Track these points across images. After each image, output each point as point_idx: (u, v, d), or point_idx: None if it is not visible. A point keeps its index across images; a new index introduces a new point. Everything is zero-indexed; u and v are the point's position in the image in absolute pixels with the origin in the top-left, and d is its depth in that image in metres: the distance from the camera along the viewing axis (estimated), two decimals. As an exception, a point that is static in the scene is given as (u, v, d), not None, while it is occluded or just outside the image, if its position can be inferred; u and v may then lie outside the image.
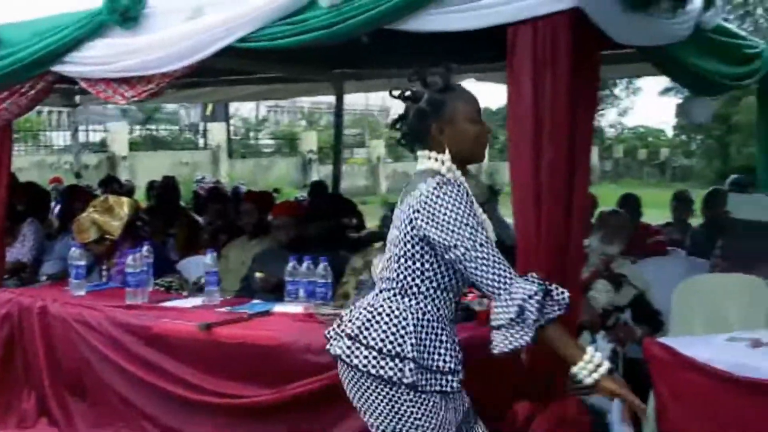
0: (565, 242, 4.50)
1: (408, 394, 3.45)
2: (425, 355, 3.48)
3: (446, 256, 3.44)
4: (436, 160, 3.59)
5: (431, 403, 3.48)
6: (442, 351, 3.53)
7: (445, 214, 3.38)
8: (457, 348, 3.61)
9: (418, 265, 3.53)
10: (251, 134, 43.98)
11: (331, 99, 11.07)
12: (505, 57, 4.43)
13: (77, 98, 11.30)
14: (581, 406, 4.84)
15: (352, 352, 3.52)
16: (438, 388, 3.49)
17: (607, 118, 55.57)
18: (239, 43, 5.21)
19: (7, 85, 6.16)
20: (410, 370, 3.42)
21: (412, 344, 3.45)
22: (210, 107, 36.30)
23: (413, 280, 3.53)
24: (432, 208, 3.40)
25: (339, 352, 3.58)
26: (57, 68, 6.00)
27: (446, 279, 3.55)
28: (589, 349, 3.42)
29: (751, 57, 6.91)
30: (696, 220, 9.22)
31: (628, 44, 5.07)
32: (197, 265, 6.35)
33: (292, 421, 4.84)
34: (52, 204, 9.90)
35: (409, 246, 3.52)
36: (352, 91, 11.01)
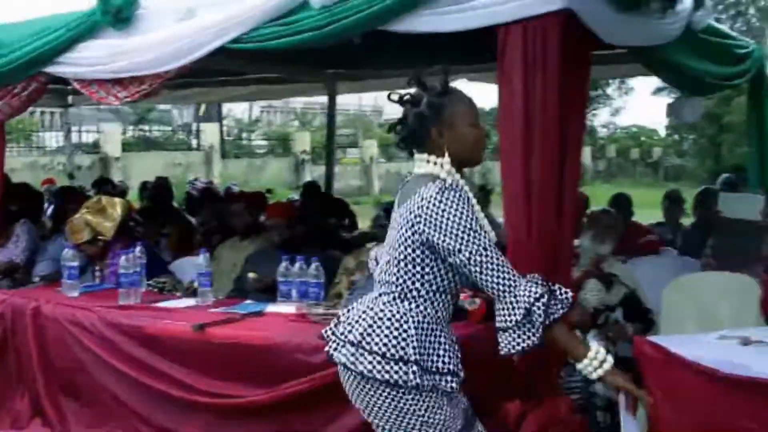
0: (555, 242, 4.54)
1: (412, 395, 3.49)
2: (426, 357, 3.51)
3: (450, 260, 3.48)
4: (435, 163, 3.61)
5: (434, 401, 3.52)
6: (441, 352, 3.56)
7: (448, 219, 3.41)
8: (456, 348, 3.65)
9: (418, 269, 3.55)
10: (244, 135, 43.92)
11: (324, 99, 11.07)
12: (496, 58, 4.46)
13: (70, 99, 11.30)
14: (572, 405, 4.88)
15: (357, 359, 3.55)
16: (440, 388, 3.53)
17: (599, 118, 55.62)
18: (232, 44, 5.23)
19: (-1, 86, 6.18)
20: (413, 372, 3.46)
21: (414, 347, 3.48)
22: (203, 108, 36.33)
23: (413, 283, 3.56)
24: (435, 213, 3.43)
25: (344, 360, 3.60)
26: (50, 69, 6.02)
27: (445, 282, 3.59)
28: (593, 346, 3.51)
29: (742, 57, 6.96)
30: (688, 220, 9.24)
31: (619, 45, 5.11)
32: (190, 265, 6.35)
33: (285, 421, 4.85)
34: (45, 205, 9.90)
35: (409, 250, 3.55)
36: (345, 92, 11.02)
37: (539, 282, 3.48)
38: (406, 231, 3.53)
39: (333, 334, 3.75)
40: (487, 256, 3.40)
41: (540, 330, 3.43)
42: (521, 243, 4.35)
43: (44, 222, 8.74)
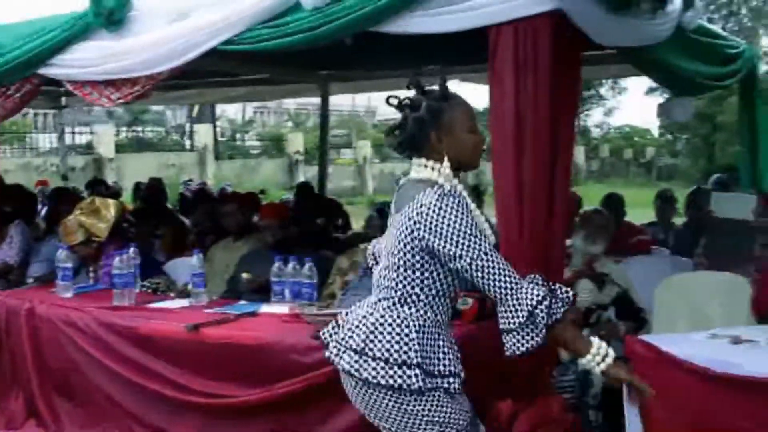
0: (547, 242, 4.56)
1: (415, 397, 3.52)
2: (428, 361, 3.55)
3: (450, 266, 3.51)
4: (433, 169, 3.63)
5: (437, 400, 3.55)
6: (442, 355, 3.60)
7: (449, 225, 3.43)
8: (456, 350, 3.68)
9: (418, 273, 3.58)
10: (238, 135, 43.92)
11: (318, 100, 11.08)
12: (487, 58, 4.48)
13: (63, 100, 11.30)
14: (564, 404, 4.90)
15: (360, 366, 3.57)
16: (443, 390, 3.56)
17: (592, 118, 55.66)
18: (224, 46, 5.24)
19: (-8, 88, 6.18)
20: (416, 375, 3.48)
21: (416, 351, 3.51)
22: (196, 109, 36.28)
23: (413, 288, 3.59)
24: (434, 219, 3.45)
25: (347, 367, 3.61)
26: (43, 71, 6.02)
27: (445, 286, 3.62)
28: (595, 341, 3.53)
29: (733, 57, 6.97)
30: (680, 219, 9.27)
31: (609, 45, 5.12)
32: (184, 266, 6.36)
33: (279, 421, 4.87)
34: (39, 206, 9.90)
35: (409, 255, 3.57)
36: (338, 93, 11.03)
37: (540, 283, 3.52)
38: (405, 237, 3.55)
39: (333, 339, 3.78)
40: (487, 260, 3.43)
41: (543, 331, 3.47)
42: (513, 243, 4.37)
43: (38, 223, 8.74)
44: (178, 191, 15.17)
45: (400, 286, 3.60)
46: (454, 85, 3.74)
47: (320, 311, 5.26)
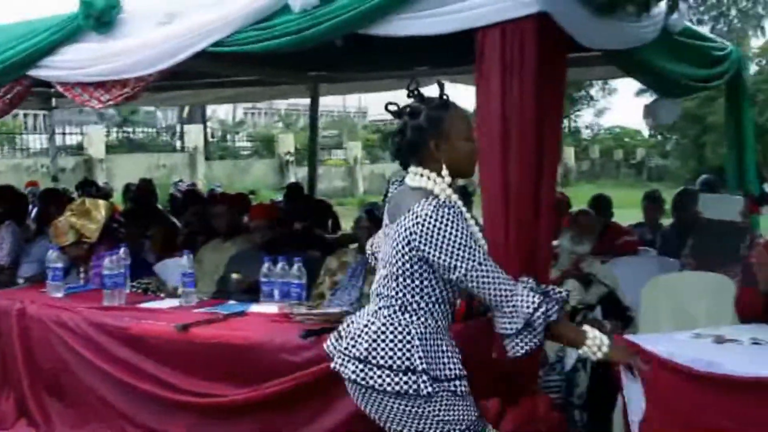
0: (533, 242, 4.59)
1: (425, 401, 3.57)
2: (433, 366, 3.60)
3: (446, 276, 3.56)
4: (429, 178, 3.67)
5: (446, 401, 3.60)
6: (446, 360, 3.65)
7: (444, 237, 3.49)
8: (457, 352, 3.73)
9: (417, 282, 3.63)
10: (228, 136, 43.82)
11: (308, 101, 11.10)
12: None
13: (53, 101, 11.31)
14: (550, 404, 4.94)
15: (366, 374, 3.61)
16: (450, 391, 3.61)
17: (583, 119, 55.79)
18: (213, 48, 5.26)
19: (-17, 90, 6.20)
20: (423, 382, 3.54)
21: (420, 357, 3.56)
22: (186, 110, 36.23)
23: (413, 297, 3.64)
24: (430, 231, 3.50)
25: (353, 376, 3.65)
26: (33, 73, 6.04)
27: (444, 293, 3.67)
28: (589, 331, 3.68)
29: (719, 59, 7.02)
30: (668, 220, 9.29)
31: (595, 47, 5.16)
32: (174, 266, 6.38)
33: (268, 420, 4.89)
34: (30, 207, 9.90)
35: (407, 265, 3.62)
36: (327, 94, 11.06)
37: (534, 289, 3.58)
38: (403, 247, 3.60)
39: (336, 349, 3.81)
40: (482, 270, 3.51)
41: (541, 333, 3.60)
42: (499, 244, 4.40)
43: (28, 224, 8.76)
44: (168, 192, 15.15)
45: (400, 294, 3.64)
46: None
47: (309, 311, 5.30)
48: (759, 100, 29.23)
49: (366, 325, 3.68)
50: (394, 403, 3.58)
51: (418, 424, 3.60)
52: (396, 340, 3.58)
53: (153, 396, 5.28)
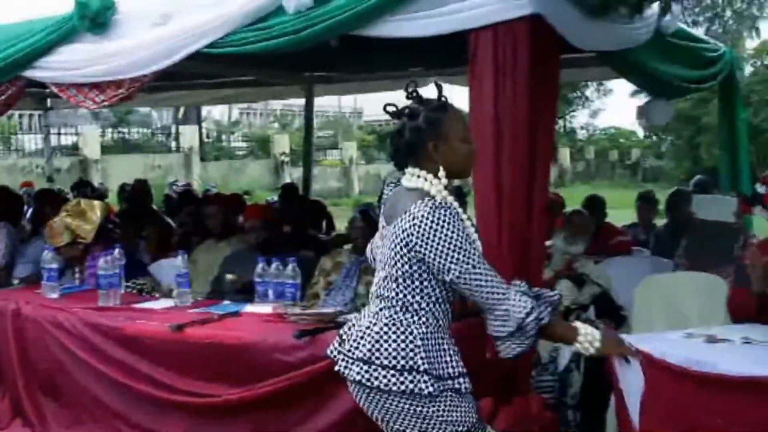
0: (526, 243, 4.61)
1: (429, 400, 3.58)
2: (436, 366, 3.61)
3: (440, 277, 3.58)
4: (425, 179, 3.69)
5: (450, 400, 3.61)
6: (448, 358, 3.66)
7: (439, 239, 3.50)
8: (457, 351, 3.73)
9: (416, 283, 3.64)
10: (224, 137, 43.81)
11: (304, 101, 11.10)
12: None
13: (48, 101, 11.31)
14: (543, 403, 4.96)
15: (371, 375, 3.62)
16: (454, 390, 3.63)
17: (578, 120, 55.79)
18: (207, 49, 5.28)
19: (-22, 90, 6.21)
20: (425, 381, 3.55)
21: (422, 357, 3.57)
22: (182, 110, 36.20)
23: (413, 297, 3.65)
24: (426, 232, 3.51)
25: (357, 377, 3.66)
26: (28, 73, 6.05)
27: (444, 293, 3.67)
28: (580, 327, 3.70)
29: (712, 60, 7.04)
30: (662, 220, 9.30)
31: (588, 49, 5.18)
32: (169, 267, 6.39)
33: (261, 420, 4.92)
34: (25, 208, 9.90)
35: (406, 267, 3.63)
36: (322, 94, 11.07)
37: (527, 293, 3.61)
38: (401, 249, 3.61)
39: (339, 352, 3.82)
40: (475, 273, 3.52)
41: (533, 336, 3.62)
42: (492, 244, 4.41)
43: (23, 225, 8.76)
44: (164, 192, 15.13)
45: (401, 295, 3.65)
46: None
47: (303, 311, 5.31)
48: (754, 101, 29.28)
49: (368, 327, 3.70)
50: (398, 403, 3.60)
51: (422, 424, 3.61)
52: (399, 341, 3.60)
53: (148, 396, 5.30)
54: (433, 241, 3.49)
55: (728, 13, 40.11)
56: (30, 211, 10.07)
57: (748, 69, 33.61)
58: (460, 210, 3.65)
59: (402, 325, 3.62)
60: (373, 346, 3.63)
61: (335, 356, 3.84)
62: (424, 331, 3.62)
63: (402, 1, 4.65)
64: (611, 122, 60.78)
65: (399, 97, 3.89)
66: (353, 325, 3.82)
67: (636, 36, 5.39)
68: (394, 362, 3.57)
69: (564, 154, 48.46)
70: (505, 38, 4.42)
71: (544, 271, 5.57)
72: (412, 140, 3.70)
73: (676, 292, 6.06)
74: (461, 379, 3.64)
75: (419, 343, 3.59)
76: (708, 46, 7.12)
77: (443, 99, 3.75)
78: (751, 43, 37.56)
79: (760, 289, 4.87)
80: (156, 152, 34.77)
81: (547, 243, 5.97)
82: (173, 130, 38.18)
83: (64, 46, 5.85)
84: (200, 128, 37.78)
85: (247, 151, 41.20)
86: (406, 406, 3.59)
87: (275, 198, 12.96)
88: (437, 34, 4.64)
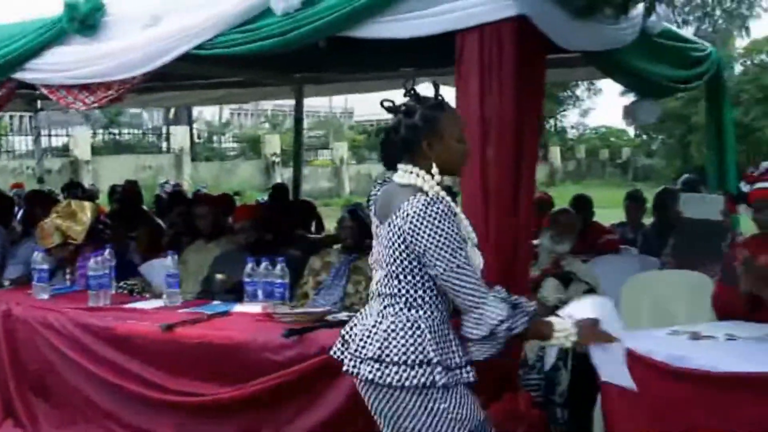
0: (513, 242, 4.64)
1: (441, 394, 3.59)
2: (445, 356, 3.63)
3: (428, 271, 3.61)
4: (418, 175, 3.71)
5: (460, 396, 3.63)
6: (454, 348, 3.68)
7: (431, 234, 3.52)
8: (459, 341, 3.73)
9: (418, 278, 3.66)
10: (214, 137, 43.75)
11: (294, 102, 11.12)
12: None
13: (39, 103, 11.31)
14: (531, 401, 5.00)
15: (383, 372, 3.62)
16: (464, 381, 3.65)
17: (569, 119, 55.86)
18: (196, 51, 5.31)
19: (-32, 93, 6.22)
20: (438, 373, 3.56)
21: (432, 349, 3.59)
22: (173, 111, 36.17)
23: (416, 292, 3.67)
24: (418, 227, 3.54)
25: (369, 376, 3.65)
26: (18, 75, 6.07)
27: None
28: (556, 322, 3.70)
29: (699, 60, 7.08)
30: (650, 219, 9.34)
31: (574, 49, 5.21)
32: (159, 267, 6.40)
33: (252, 418, 4.94)
34: (15, 209, 9.91)
35: (406, 263, 3.65)
36: (312, 95, 11.10)
37: (504, 300, 3.63)
38: (399, 246, 3.64)
39: (344, 353, 3.83)
40: (458, 274, 3.54)
41: (503, 344, 3.61)
42: (479, 244, 4.45)
43: (14, 226, 8.77)
44: (154, 193, 15.13)
45: (404, 291, 3.68)
46: (429, 88, 3.81)
47: (292, 310, 5.34)
48: (744, 99, 29.39)
49: (374, 326, 3.71)
50: (410, 399, 3.61)
51: (431, 420, 3.62)
52: (407, 336, 3.62)
53: (138, 396, 5.32)
54: (424, 234, 3.52)
55: (718, 12, 40.27)
56: (21, 212, 10.08)
57: (738, 68, 33.75)
58: (452, 204, 3.67)
59: (408, 320, 3.64)
60: (382, 344, 3.64)
61: (339, 357, 3.85)
62: (431, 324, 3.64)
63: (389, 3, 4.68)
64: (602, 121, 60.81)
65: (389, 97, 3.91)
66: (355, 325, 3.83)
67: (622, 36, 5.43)
68: (404, 358, 3.58)
69: (555, 153, 48.51)
70: (491, 39, 4.45)
71: (531, 269, 5.61)
72: (407, 137, 3.72)
73: (663, 291, 6.11)
74: (468, 368, 3.66)
75: (428, 336, 3.61)
76: (694, 46, 7.16)
77: (440, 98, 3.78)
78: (741, 42, 37.71)
79: (748, 289, 4.92)
80: (147, 153, 34.73)
81: (534, 242, 6.01)
82: (164, 130, 38.08)
83: (54, 48, 5.87)
84: (191, 129, 37.75)
85: (238, 152, 41.14)
86: (418, 402, 3.61)
87: (265, 198, 12.98)
88: (424, 35, 4.68)
